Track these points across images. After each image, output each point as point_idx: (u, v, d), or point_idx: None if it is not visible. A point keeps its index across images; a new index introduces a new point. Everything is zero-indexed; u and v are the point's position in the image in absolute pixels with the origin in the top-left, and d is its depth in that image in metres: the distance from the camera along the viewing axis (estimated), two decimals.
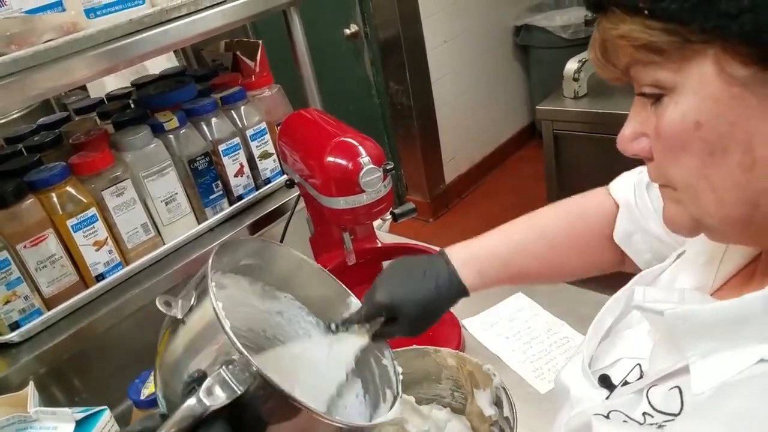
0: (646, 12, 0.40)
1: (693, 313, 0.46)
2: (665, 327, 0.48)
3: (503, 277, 0.76)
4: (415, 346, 0.87)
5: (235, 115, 1.19)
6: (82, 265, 1.01)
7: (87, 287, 1.02)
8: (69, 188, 0.99)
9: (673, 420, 0.46)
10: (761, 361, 0.41)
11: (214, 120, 1.16)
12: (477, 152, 3.40)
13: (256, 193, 1.23)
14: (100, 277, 1.03)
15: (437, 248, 1.15)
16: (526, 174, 3.35)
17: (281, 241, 1.18)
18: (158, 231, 1.11)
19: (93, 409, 0.79)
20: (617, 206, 0.74)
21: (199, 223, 1.16)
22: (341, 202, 0.95)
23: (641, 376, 0.53)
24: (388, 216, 1.19)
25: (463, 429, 0.86)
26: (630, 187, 0.74)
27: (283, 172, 1.28)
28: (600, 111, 1.96)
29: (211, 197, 1.17)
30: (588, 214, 0.77)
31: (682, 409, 0.45)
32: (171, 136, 1.10)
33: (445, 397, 0.90)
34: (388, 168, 0.94)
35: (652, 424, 0.47)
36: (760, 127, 0.39)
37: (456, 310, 1.07)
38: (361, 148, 0.94)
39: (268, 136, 1.23)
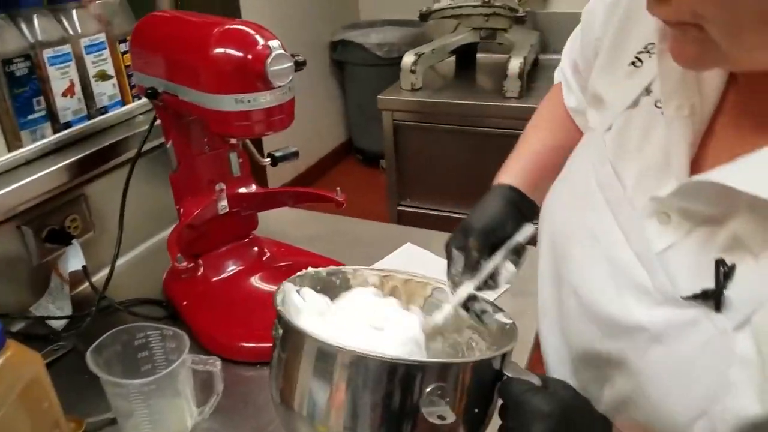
0: None
1: None
2: None
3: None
4: (331, 267, 0.68)
5: (64, 19, 0.91)
6: None
7: None
8: None
9: None
10: None
11: (36, 17, 0.87)
12: (300, 163, 3.26)
13: (90, 122, 0.95)
14: None
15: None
16: (345, 186, 3.30)
17: (128, 181, 0.91)
18: None
19: None
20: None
21: (10, 150, 0.85)
22: (234, 102, 0.75)
23: None
24: (267, 159, 1.01)
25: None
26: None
27: (123, 103, 1.01)
28: (435, 101, 1.99)
29: (30, 117, 0.86)
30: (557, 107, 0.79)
31: None
32: None
33: None
34: (300, 60, 0.76)
35: None
36: None
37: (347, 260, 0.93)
38: (258, 37, 0.75)
39: (107, 53, 0.96)
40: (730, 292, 0.44)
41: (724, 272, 0.44)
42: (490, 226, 0.65)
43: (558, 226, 0.61)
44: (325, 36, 3.32)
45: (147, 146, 0.92)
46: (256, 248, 1.01)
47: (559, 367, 0.62)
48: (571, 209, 0.59)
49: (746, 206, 0.44)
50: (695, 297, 0.45)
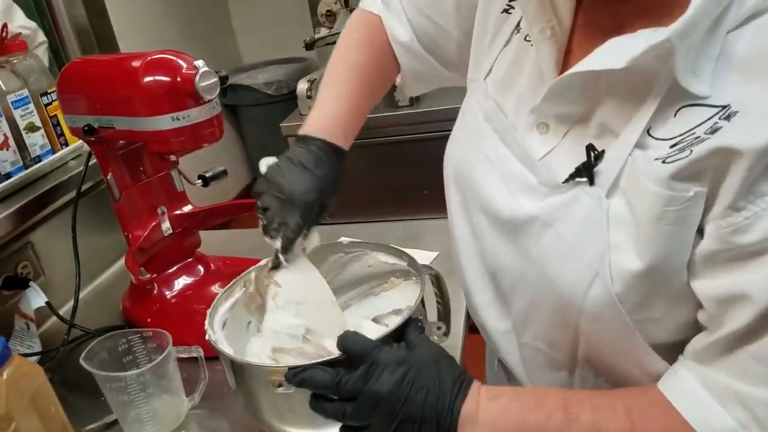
0: None
1: None
2: None
3: (359, 122, 0.79)
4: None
5: None
6: None
7: None
8: None
9: None
10: None
11: None
12: None
13: (27, 171, 1.01)
14: None
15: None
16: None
17: (74, 220, 0.97)
18: None
19: None
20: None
21: None
22: (171, 120, 0.84)
23: None
24: (198, 181, 1.10)
25: None
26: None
27: (53, 151, 1.07)
28: None
29: None
30: (375, 36, 0.81)
31: None
32: None
33: None
34: (223, 75, 0.87)
35: None
36: None
37: None
38: (180, 61, 0.86)
39: (32, 106, 1.02)
40: (600, 165, 0.50)
41: (594, 155, 0.51)
42: (311, 202, 0.69)
43: (459, 162, 0.67)
44: None
45: (84, 186, 0.99)
46: (202, 264, 1.09)
47: (481, 295, 0.67)
48: (468, 145, 0.66)
49: (606, 92, 0.50)
50: (571, 177, 0.52)
